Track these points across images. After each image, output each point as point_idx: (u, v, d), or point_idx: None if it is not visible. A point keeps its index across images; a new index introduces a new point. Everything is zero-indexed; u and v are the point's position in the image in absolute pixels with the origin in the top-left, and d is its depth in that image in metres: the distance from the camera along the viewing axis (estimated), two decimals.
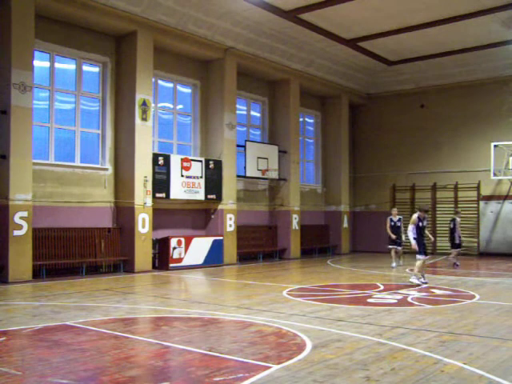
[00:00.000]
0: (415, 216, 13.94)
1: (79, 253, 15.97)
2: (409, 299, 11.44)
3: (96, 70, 17.33)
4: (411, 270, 14.01)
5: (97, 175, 16.95)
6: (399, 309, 10.31)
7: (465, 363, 6.32)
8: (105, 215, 17.03)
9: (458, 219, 19.29)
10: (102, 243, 16.53)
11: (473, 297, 11.76)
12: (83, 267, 15.83)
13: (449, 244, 19.73)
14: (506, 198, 23.55)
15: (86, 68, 17.08)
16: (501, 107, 23.71)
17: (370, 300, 11.38)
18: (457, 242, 18.94)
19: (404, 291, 12.46)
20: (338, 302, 11.06)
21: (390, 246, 19.10)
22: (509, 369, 6.19)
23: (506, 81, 23.52)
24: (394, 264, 18.64)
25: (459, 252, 19.45)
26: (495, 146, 22.47)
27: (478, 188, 24.11)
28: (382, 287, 13.36)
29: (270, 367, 6.11)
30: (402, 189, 26.10)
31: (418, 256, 13.77)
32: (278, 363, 6.29)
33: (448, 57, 23.11)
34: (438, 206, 25.22)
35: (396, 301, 11.22)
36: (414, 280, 13.64)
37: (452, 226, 19.11)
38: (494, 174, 22.63)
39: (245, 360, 6.46)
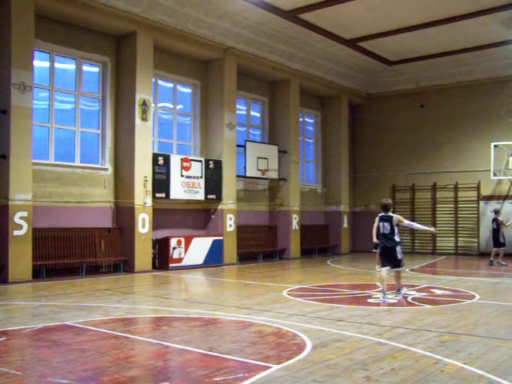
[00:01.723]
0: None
1: (79, 253, 15.96)
2: (409, 299, 11.44)
3: (96, 69, 17.33)
4: (398, 287, 11.83)
5: (97, 175, 16.95)
6: (399, 309, 10.32)
7: (465, 363, 6.32)
8: (105, 215, 17.03)
9: (500, 218, 19.76)
10: (102, 243, 16.53)
11: (473, 297, 11.76)
12: (83, 267, 15.83)
13: (491, 244, 20.01)
14: (505, 198, 23.53)
15: (85, 68, 17.08)
16: (501, 107, 23.71)
17: (369, 300, 11.38)
18: (502, 241, 19.36)
19: (404, 291, 12.45)
20: (337, 302, 11.06)
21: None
22: (509, 369, 6.18)
23: (506, 81, 23.51)
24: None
25: (505, 251, 19.71)
26: (495, 145, 22.46)
27: (478, 188, 24.10)
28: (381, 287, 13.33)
29: (269, 367, 6.11)
30: (401, 189, 26.09)
31: (400, 267, 11.66)
32: (278, 363, 6.28)
33: (448, 57, 23.13)
34: (437, 206, 25.20)
35: (396, 301, 11.22)
36: (402, 292, 11.84)
37: (495, 226, 19.54)
38: (494, 174, 22.62)
39: (245, 360, 6.46)
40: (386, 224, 11.37)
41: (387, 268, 11.49)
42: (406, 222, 11.73)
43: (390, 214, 11.51)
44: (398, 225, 11.48)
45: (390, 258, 11.44)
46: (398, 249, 11.37)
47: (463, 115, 24.55)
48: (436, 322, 8.95)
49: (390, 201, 11.75)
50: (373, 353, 6.84)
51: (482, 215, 23.95)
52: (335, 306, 10.61)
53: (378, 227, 11.58)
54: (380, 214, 11.66)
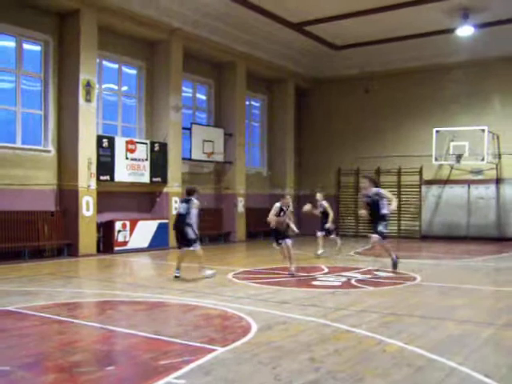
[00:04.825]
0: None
1: (22, 236, 15.57)
2: (352, 281, 11.63)
3: (37, 48, 16.85)
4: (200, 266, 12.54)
5: (39, 157, 16.56)
6: (343, 291, 10.48)
7: (406, 343, 6.48)
8: (48, 198, 16.67)
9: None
10: (46, 227, 16.19)
11: (414, 279, 12.04)
12: (26, 251, 15.48)
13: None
14: (446, 182, 24.11)
15: (26, 46, 16.57)
16: (443, 94, 24.18)
17: (314, 282, 11.53)
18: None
19: (348, 273, 12.67)
20: (282, 285, 11.16)
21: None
22: (446, 347, 6.39)
23: (449, 68, 23.96)
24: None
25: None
26: (437, 131, 22.90)
27: (420, 173, 24.63)
28: (326, 270, 13.55)
29: (215, 350, 6.14)
30: (346, 173, 26.41)
31: (193, 247, 12.50)
32: (224, 346, 6.32)
33: (393, 43, 23.32)
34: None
35: (340, 283, 11.39)
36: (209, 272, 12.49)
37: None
38: (436, 159, 23.08)
39: (190, 343, 6.47)
40: (183, 205, 12.45)
41: (184, 249, 12.48)
42: (195, 211, 12.52)
43: (191, 198, 12.50)
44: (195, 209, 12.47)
45: (182, 238, 12.42)
46: (189, 230, 12.28)
47: (407, 101, 24.95)
48: (379, 303, 9.14)
49: (193, 187, 13.02)
50: (317, 334, 6.95)
51: (424, 199, 24.50)
52: (280, 288, 10.71)
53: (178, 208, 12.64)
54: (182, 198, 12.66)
